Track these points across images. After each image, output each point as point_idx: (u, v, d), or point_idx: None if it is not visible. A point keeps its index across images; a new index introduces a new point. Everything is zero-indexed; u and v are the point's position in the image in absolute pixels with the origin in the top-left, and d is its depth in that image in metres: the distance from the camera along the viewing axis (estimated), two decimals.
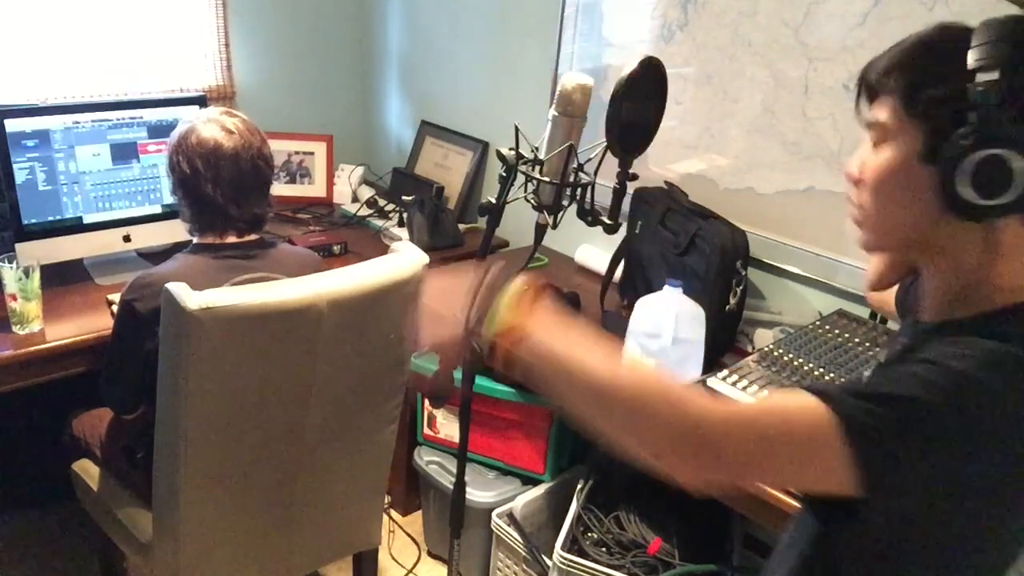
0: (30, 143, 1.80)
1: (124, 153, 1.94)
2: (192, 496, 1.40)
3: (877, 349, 1.54)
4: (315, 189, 2.61)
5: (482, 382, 1.87)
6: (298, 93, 2.72)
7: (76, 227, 1.90)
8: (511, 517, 1.86)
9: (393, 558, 2.19)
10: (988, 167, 0.70)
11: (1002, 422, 0.71)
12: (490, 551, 1.94)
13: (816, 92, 1.69)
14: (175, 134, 1.48)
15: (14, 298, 1.60)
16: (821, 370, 1.46)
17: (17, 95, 2.10)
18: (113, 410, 1.65)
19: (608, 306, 1.97)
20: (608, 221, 1.24)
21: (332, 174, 2.62)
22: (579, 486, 1.82)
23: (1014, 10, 0.74)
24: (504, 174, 1.25)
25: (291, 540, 1.60)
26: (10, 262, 1.60)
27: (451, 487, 1.51)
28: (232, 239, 1.50)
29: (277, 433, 1.45)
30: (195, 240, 1.52)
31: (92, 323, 1.71)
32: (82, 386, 1.68)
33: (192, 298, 1.23)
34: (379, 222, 2.44)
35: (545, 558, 1.74)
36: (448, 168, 2.58)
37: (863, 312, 1.65)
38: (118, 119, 1.91)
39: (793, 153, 1.76)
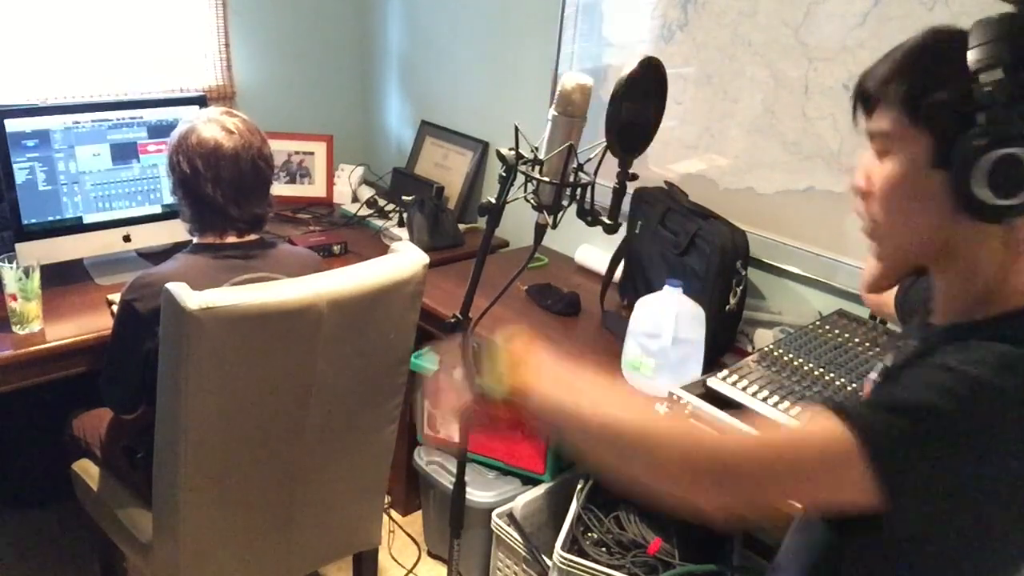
0: (30, 143, 1.80)
1: (124, 153, 1.94)
2: (192, 496, 1.40)
3: (877, 349, 1.54)
4: (315, 189, 2.61)
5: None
6: (298, 93, 2.72)
7: (76, 227, 1.90)
8: (511, 517, 1.86)
9: (393, 558, 2.19)
10: (1004, 166, 0.70)
11: (1020, 426, 0.70)
12: (490, 551, 1.94)
13: (816, 92, 1.69)
14: (175, 134, 1.48)
15: (14, 298, 1.60)
16: (821, 370, 1.46)
17: (17, 95, 2.10)
18: (113, 410, 1.65)
19: (608, 306, 1.97)
20: (608, 221, 1.24)
21: (332, 174, 2.62)
22: (579, 486, 1.82)
23: (1007, 9, 0.73)
24: (504, 174, 1.25)
25: (291, 540, 1.60)
26: (10, 262, 1.60)
27: (451, 487, 1.50)
28: (232, 239, 1.50)
29: (277, 433, 1.45)
30: (195, 240, 1.52)
31: (92, 323, 1.71)
32: (82, 386, 1.68)
33: (192, 298, 1.23)
34: (379, 222, 2.44)
35: (545, 558, 1.74)
36: (448, 168, 2.58)
37: (863, 312, 1.65)
38: (118, 119, 1.91)
39: (793, 153, 1.76)
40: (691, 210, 1.79)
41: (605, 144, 1.19)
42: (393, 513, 2.34)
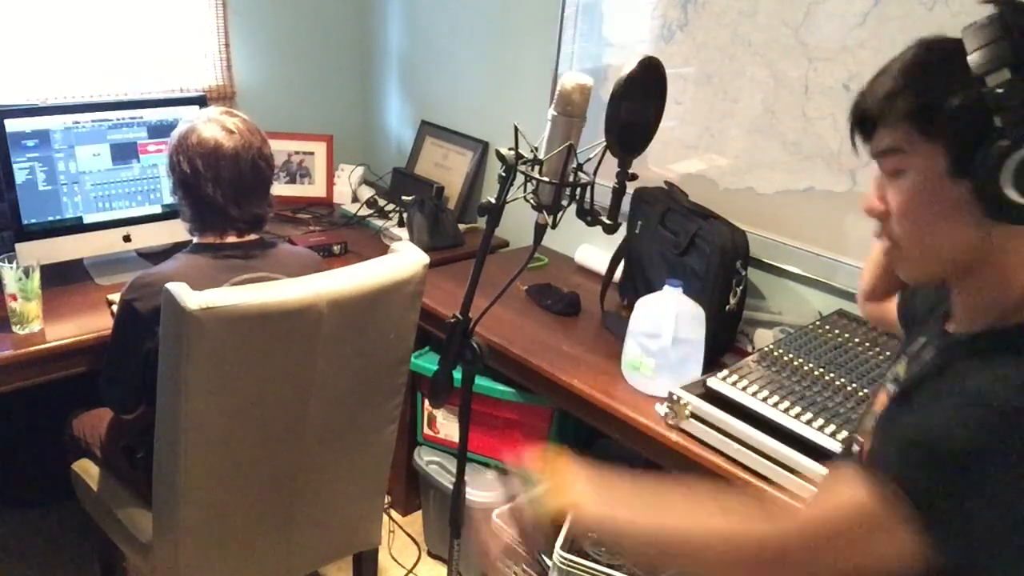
0: (30, 143, 1.80)
1: (124, 153, 1.94)
2: (192, 496, 1.40)
3: (877, 349, 1.54)
4: (315, 189, 2.61)
5: (482, 382, 1.87)
6: (298, 93, 2.72)
7: (76, 227, 1.90)
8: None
9: (393, 558, 2.19)
10: None
11: None
12: None
13: (816, 92, 1.69)
14: (175, 134, 1.48)
15: (14, 298, 1.60)
16: (821, 370, 1.46)
17: (17, 95, 2.10)
18: (113, 410, 1.65)
19: (608, 306, 1.97)
20: (608, 221, 1.24)
21: (332, 174, 2.62)
22: None
23: (990, 12, 0.72)
24: (504, 174, 1.25)
25: (291, 540, 1.60)
26: (10, 262, 1.60)
27: (451, 487, 1.50)
28: (232, 239, 1.50)
29: (277, 433, 1.45)
30: (195, 240, 1.52)
31: (92, 323, 1.71)
32: (82, 386, 1.69)
33: (192, 298, 1.23)
34: (379, 222, 2.44)
35: (545, 558, 1.74)
36: (448, 168, 2.58)
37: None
38: (118, 119, 1.91)
39: (793, 153, 1.76)
40: (691, 210, 1.79)
41: (605, 144, 1.19)
42: (393, 513, 2.34)
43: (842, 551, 0.73)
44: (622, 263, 1.98)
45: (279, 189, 2.30)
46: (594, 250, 2.20)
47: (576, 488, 0.89)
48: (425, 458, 2.08)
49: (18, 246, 1.80)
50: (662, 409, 1.49)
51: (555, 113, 1.20)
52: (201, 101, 2.04)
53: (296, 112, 2.69)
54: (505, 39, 2.37)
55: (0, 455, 2.16)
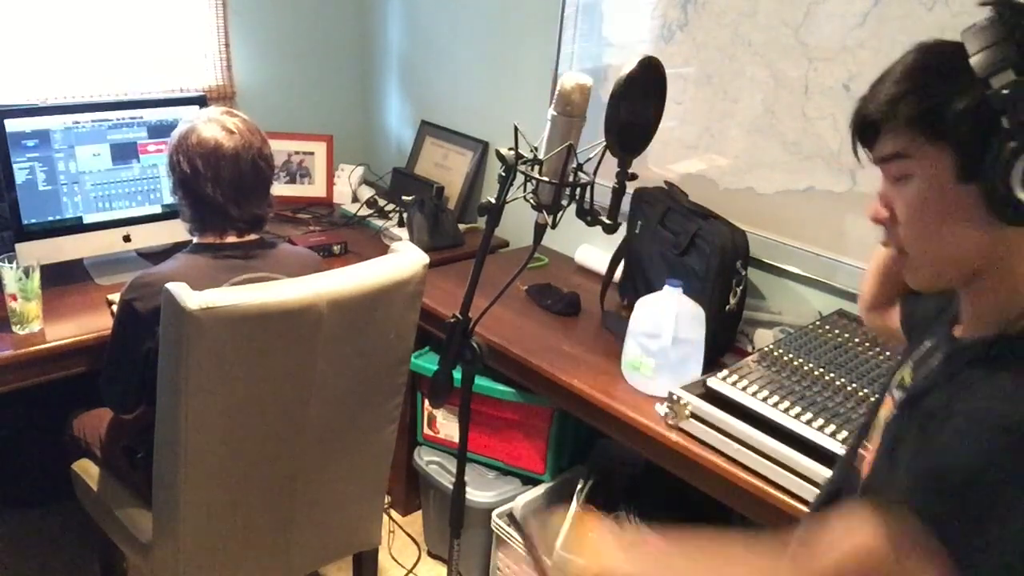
0: (30, 143, 1.80)
1: (124, 153, 1.94)
2: (192, 496, 1.40)
3: (877, 349, 1.54)
4: (315, 189, 2.61)
5: (482, 382, 1.87)
6: (298, 93, 2.72)
7: (76, 227, 1.90)
8: (511, 517, 1.86)
9: (393, 558, 2.19)
10: None
11: None
12: (490, 551, 1.94)
13: (816, 92, 1.69)
14: (175, 134, 1.48)
15: (14, 298, 1.60)
16: (821, 370, 1.46)
17: (17, 95, 2.10)
18: (113, 410, 1.65)
19: (608, 306, 1.97)
20: (607, 221, 1.24)
21: (332, 174, 2.62)
22: (579, 486, 1.82)
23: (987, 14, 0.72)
24: (503, 174, 1.25)
25: (291, 540, 1.60)
26: (10, 262, 1.60)
27: (451, 487, 1.51)
28: (232, 239, 1.50)
29: (277, 433, 1.45)
30: (195, 240, 1.52)
31: (92, 323, 1.71)
32: (82, 386, 1.69)
33: (192, 298, 1.23)
34: (379, 222, 2.44)
35: (545, 558, 1.74)
36: (448, 168, 2.58)
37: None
38: (118, 119, 1.91)
39: (793, 153, 1.76)
40: (691, 210, 1.79)
41: (605, 144, 1.19)
42: (393, 513, 2.34)
43: None
44: (622, 263, 1.98)
45: (279, 189, 2.30)
46: (594, 250, 2.20)
47: (605, 551, 0.88)
48: (425, 458, 2.08)
49: (18, 246, 1.80)
50: (662, 409, 1.49)
51: (555, 113, 1.20)
52: (201, 101, 2.04)
53: (296, 112, 2.69)
54: (505, 39, 2.37)
55: (0, 455, 2.16)
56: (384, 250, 1.60)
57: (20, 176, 1.80)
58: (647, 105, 1.18)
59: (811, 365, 1.48)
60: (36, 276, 1.62)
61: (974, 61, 0.69)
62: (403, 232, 2.35)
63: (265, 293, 1.31)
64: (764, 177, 1.83)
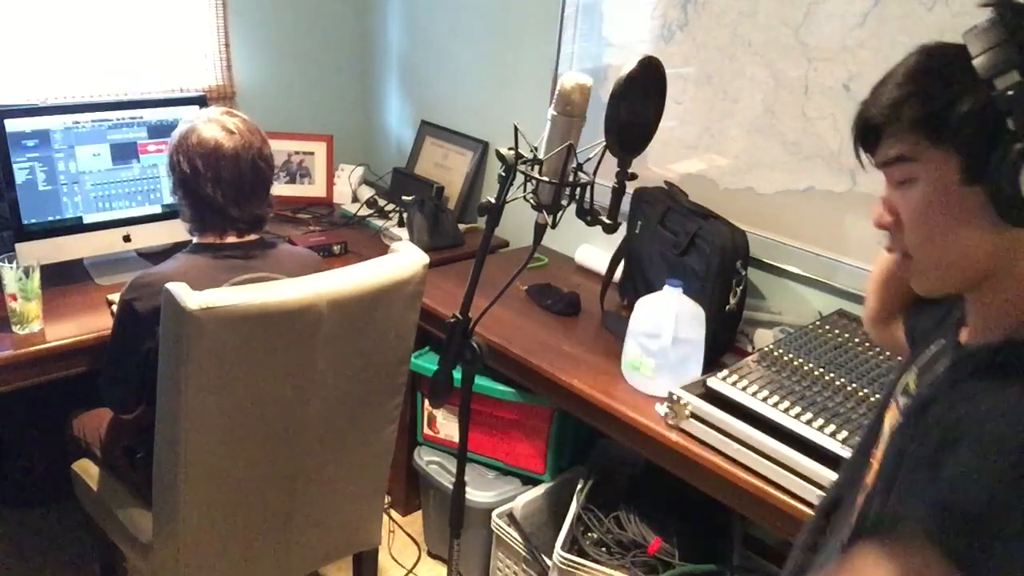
0: (30, 143, 1.80)
1: (124, 153, 1.94)
2: (192, 496, 1.40)
3: (877, 349, 1.54)
4: (315, 189, 2.61)
5: (482, 382, 1.87)
6: (298, 93, 2.72)
7: (76, 227, 1.90)
8: (511, 517, 1.86)
9: (393, 558, 2.19)
10: None
11: None
12: (490, 551, 1.94)
13: (816, 92, 1.69)
14: (176, 134, 1.48)
15: (14, 298, 1.60)
16: (821, 370, 1.46)
17: (17, 95, 2.10)
18: (113, 410, 1.65)
19: (608, 306, 1.97)
20: (607, 221, 1.24)
21: (332, 174, 2.62)
22: (579, 486, 1.82)
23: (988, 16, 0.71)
24: (503, 174, 1.25)
25: (291, 540, 1.60)
26: (10, 262, 1.60)
27: (451, 487, 1.51)
28: (232, 239, 1.50)
29: (277, 433, 1.45)
30: (195, 240, 1.52)
31: (92, 323, 1.71)
32: (82, 386, 1.69)
33: (192, 298, 1.23)
34: (379, 222, 2.44)
35: (545, 558, 1.74)
36: (448, 168, 2.58)
37: (863, 312, 1.65)
38: (118, 119, 1.91)
39: (793, 153, 1.76)
40: (691, 210, 1.79)
41: (604, 144, 1.19)
42: (393, 513, 2.34)
43: None
44: (622, 263, 1.98)
45: (279, 189, 2.30)
46: (594, 250, 2.20)
47: None
48: (425, 458, 2.08)
49: (18, 246, 1.80)
50: (662, 409, 1.49)
51: (555, 113, 1.20)
52: (201, 101, 2.04)
53: (296, 112, 2.69)
54: (505, 39, 2.37)
55: (0, 455, 2.16)
56: (384, 250, 1.60)
57: (20, 176, 1.80)
58: (647, 105, 1.18)
59: (811, 365, 1.48)
60: (36, 276, 1.62)
61: (977, 63, 0.69)
62: (403, 232, 2.35)
63: (265, 293, 1.31)
64: (764, 177, 1.83)
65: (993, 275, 0.76)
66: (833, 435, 1.28)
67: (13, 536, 2.16)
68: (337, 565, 2.09)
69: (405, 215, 2.37)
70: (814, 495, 1.25)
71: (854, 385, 1.42)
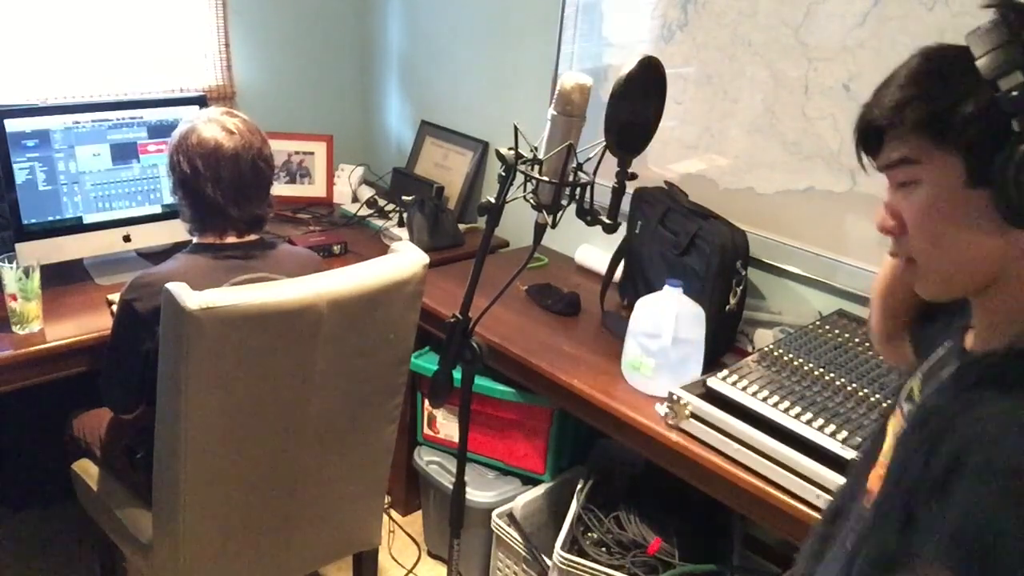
0: (30, 143, 1.80)
1: (124, 153, 1.94)
2: (192, 496, 1.40)
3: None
4: (315, 189, 2.61)
5: (482, 382, 1.87)
6: (298, 93, 2.72)
7: (76, 227, 1.90)
8: (511, 517, 1.86)
9: (393, 558, 2.19)
10: None
11: None
12: (490, 551, 1.94)
13: (816, 92, 1.69)
14: (176, 134, 1.48)
15: (14, 298, 1.60)
16: (821, 370, 1.46)
17: (17, 95, 2.10)
18: (113, 410, 1.65)
19: (608, 306, 1.97)
20: (607, 221, 1.24)
21: (332, 174, 2.62)
22: (579, 486, 1.82)
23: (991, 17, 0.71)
24: (503, 174, 1.25)
25: (291, 540, 1.60)
26: (10, 262, 1.60)
27: (451, 487, 1.51)
28: (232, 239, 1.50)
29: (277, 433, 1.45)
30: (195, 240, 1.52)
31: (92, 323, 1.71)
32: (82, 386, 1.69)
33: (192, 298, 1.23)
34: (379, 222, 2.44)
35: (545, 558, 1.74)
36: (448, 168, 2.58)
37: (863, 312, 1.65)
38: (118, 119, 1.91)
39: (793, 153, 1.76)
40: (691, 210, 1.79)
41: (604, 144, 1.19)
42: (393, 513, 2.34)
43: None
44: (622, 263, 1.98)
45: (279, 189, 2.30)
46: (594, 250, 2.20)
47: None
48: (425, 458, 2.08)
49: (18, 246, 1.80)
50: (662, 409, 1.49)
51: (555, 113, 1.20)
52: (201, 101, 2.04)
53: (296, 112, 2.69)
54: (505, 39, 2.37)
55: (0, 455, 2.16)
56: (384, 250, 1.60)
57: (20, 176, 1.80)
58: (647, 105, 1.18)
59: (811, 365, 1.48)
60: (36, 276, 1.62)
61: (981, 64, 0.68)
62: (403, 232, 2.35)
63: (265, 293, 1.31)
64: (764, 177, 1.83)
65: (999, 279, 0.75)
66: (833, 435, 1.28)
67: (13, 536, 2.16)
68: (337, 565, 2.08)
69: (405, 215, 2.37)
70: (814, 495, 1.25)
71: (854, 385, 1.42)
